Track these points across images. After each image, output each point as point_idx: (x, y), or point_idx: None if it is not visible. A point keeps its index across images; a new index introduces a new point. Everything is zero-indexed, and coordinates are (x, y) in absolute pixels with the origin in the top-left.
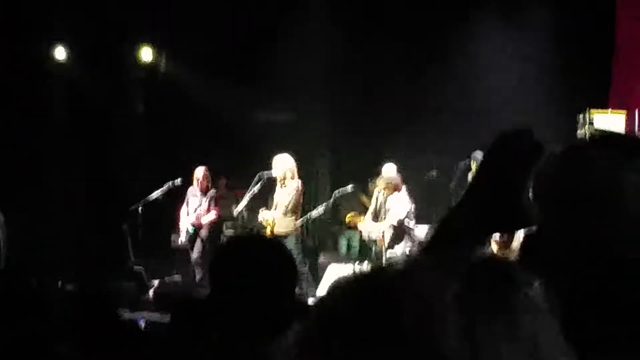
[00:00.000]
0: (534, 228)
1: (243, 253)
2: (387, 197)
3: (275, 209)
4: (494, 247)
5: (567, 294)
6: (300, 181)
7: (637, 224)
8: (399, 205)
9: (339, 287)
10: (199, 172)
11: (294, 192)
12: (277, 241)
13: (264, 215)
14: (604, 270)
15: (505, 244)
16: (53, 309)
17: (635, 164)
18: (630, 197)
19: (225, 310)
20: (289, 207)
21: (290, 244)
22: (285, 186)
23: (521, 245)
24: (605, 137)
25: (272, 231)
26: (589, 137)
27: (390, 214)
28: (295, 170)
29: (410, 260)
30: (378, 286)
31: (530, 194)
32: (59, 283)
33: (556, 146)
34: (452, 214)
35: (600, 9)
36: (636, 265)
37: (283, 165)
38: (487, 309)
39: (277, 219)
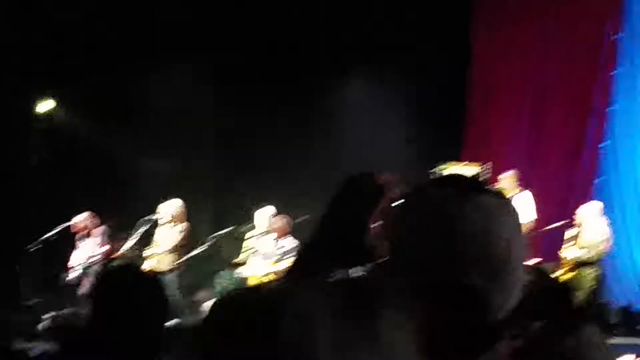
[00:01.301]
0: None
1: (115, 282)
2: (277, 240)
3: (159, 246)
4: None
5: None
6: (187, 224)
7: (470, 254)
8: (288, 251)
9: (221, 302)
10: (77, 219)
11: (180, 233)
12: (147, 272)
13: (148, 252)
14: (443, 296)
15: None
16: None
17: (468, 198)
18: (463, 229)
19: (99, 336)
20: (173, 246)
21: (170, 279)
22: (171, 227)
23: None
24: (444, 178)
25: (153, 268)
26: (430, 179)
27: (282, 260)
28: (182, 214)
29: (287, 282)
30: (258, 302)
31: (378, 230)
32: None
33: (402, 187)
34: (305, 251)
35: (455, 73)
36: (469, 289)
37: (170, 210)
38: (356, 326)
39: (158, 257)
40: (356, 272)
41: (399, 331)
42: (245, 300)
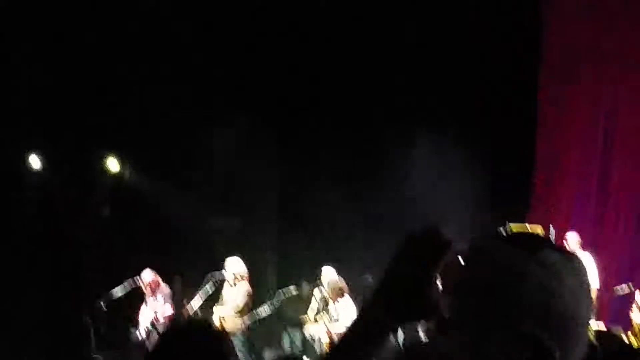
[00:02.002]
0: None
1: (181, 340)
2: (334, 301)
3: (225, 306)
4: None
5: None
6: (248, 284)
7: (535, 310)
8: (347, 311)
9: None
10: (145, 276)
11: (244, 293)
12: (212, 328)
13: (216, 311)
14: (509, 346)
15: None
16: None
17: (537, 256)
18: (531, 285)
19: None
20: (238, 306)
21: (237, 341)
22: (235, 287)
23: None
24: (510, 235)
25: (221, 327)
26: (495, 235)
27: (340, 320)
28: (245, 273)
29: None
30: None
31: (440, 286)
32: None
33: (464, 244)
34: (366, 306)
35: (524, 134)
36: (534, 345)
37: (234, 268)
38: None
39: (226, 317)
40: (420, 326)
41: None
42: None
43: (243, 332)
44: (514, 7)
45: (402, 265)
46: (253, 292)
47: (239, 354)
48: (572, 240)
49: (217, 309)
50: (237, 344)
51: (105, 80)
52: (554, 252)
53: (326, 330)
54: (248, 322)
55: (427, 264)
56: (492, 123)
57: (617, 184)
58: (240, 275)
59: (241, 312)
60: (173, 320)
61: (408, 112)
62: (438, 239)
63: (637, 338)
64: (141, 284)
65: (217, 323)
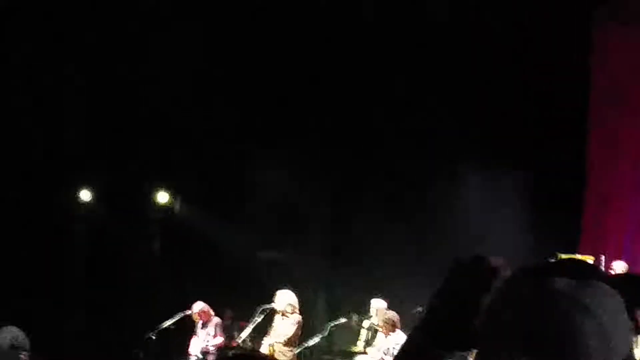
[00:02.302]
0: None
1: None
2: (386, 335)
3: (275, 337)
4: None
5: None
6: (299, 315)
7: (588, 346)
8: (398, 342)
9: None
10: (196, 307)
11: (294, 324)
12: (260, 356)
13: (265, 342)
14: None
15: None
16: None
17: (595, 292)
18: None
19: None
20: (288, 337)
21: None
22: (286, 318)
23: None
24: (555, 263)
25: (271, 357)
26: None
27: (393, 351)
28: (296, 304)
29: None
30: None
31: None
32: None
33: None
34: (414, 334)
35: (572, 161)
36: None
37: (286, 299)
38: None
39: (275, 347)
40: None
41: None
42: None
43: None
44: (566, 39)
45: (449, 293)
46: (302, 324)
47: None
48: (619, 269)
49: (266, 339)
50: None
51: (153, 114)
52: (600, 282)
53: None
54: (296, 352)
55: (474, 292)
56: (541, 152)
57: None
58: (292, 307)
59: (290, 343)
60: (222, 349)
61: (454, 142)
62: (485, 267)
63: None
64: (192, 316)
65: (266, 352)
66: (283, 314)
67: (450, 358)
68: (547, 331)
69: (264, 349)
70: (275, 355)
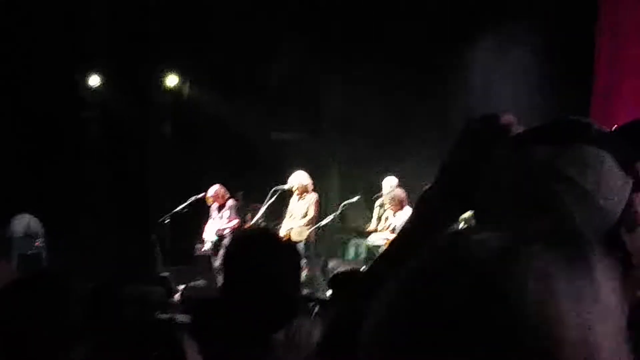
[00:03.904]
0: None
1: (248, 247)
2: (394, 213)
3: (293, 218)
4: None
5: None
6: (316, 194)
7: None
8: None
9: (431, 257)
10: (211, 190)
11: (312, 203)
12: (276, 234)
13: (284, 224)
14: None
15: None
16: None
17: (573, 154)
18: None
19: (233, 301)
20: (307, 216)
21: (306, 250)
22: (302, 198)
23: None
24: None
25: (288, 237)
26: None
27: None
28: (310, 184)
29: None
30: (487, 262)
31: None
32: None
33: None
34: (426, 194)
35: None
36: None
37: (301, 179)
38: (561, 266)
39: (294, 228)
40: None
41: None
42: (464, 258)
43: (311, 242)
44: None
45: (460, 151)
46: (318, 204)
47: (305, 262)
48: None
49: (285, 222)
50: (305, 252)
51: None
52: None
53: (386, 239)
54: (312, 231)
55: (484, 149)
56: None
57: None
58: (305, 187)
59: (310, 223)
60: (238, 230)
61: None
62: (496, 124)
63: None
64: (207, 199)
65: (284, 235)
66: (300, 195)
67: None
68: (529, 201)
69: (282, 231)
70: (292, 236)
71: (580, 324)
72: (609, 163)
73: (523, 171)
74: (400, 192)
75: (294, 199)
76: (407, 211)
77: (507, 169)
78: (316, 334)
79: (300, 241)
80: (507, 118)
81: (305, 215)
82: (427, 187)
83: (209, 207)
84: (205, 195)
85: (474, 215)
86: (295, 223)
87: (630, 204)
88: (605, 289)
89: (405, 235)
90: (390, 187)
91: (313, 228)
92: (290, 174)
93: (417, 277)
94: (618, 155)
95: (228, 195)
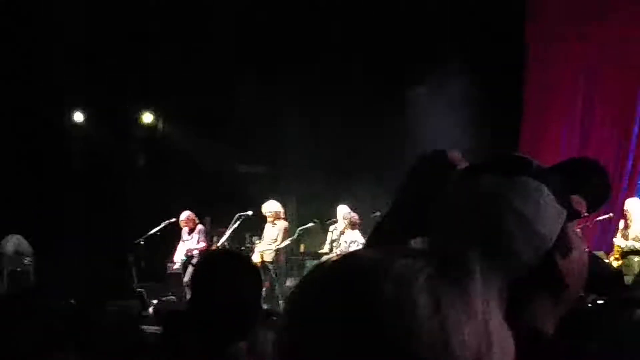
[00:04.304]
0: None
1: (214, 266)
2: (344, 230)
3: (265, 242)
4: None
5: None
6: (286, 222)
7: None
8: (355, 240)
9: (317, 271)
10: (183, 215)
11: (281, 230)
12: (240, 255)
13: (257, 248)
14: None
15: None
16: (58, 322)
17: (514, 185)
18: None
19: (200, 313)
20: (277, 241)
21: (272, 269)
22: (274, 225)
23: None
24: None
25: (262, 259)
26: (475, 163)
27: (348, 248)
28: (283, 212)
29: (381, 251)
30: (359, 266)
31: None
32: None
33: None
34: (382, 221)
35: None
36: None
37: (274, 207)
38: (450, 290)
39: (265, 251)
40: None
41: (486, 298)
42: (345, 265)
43: (280, 263)
44: None
45: (413, 183)
46: (287, 229)
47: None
48: None
49: (260, 245)
50: (270, 271)
51: (136, 38)
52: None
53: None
54: (278, 252)
55: (434, 181)
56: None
57: (599, 125)
58: (279, 214)
59: (279, 247)
60: (206, 251)
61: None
62: (444, 159)
63: (618, 260)
64: (179, 223)
65: (257, 257)
66: (272, 221)
67: (411, 241)
68: (474, 225)
69: (256, 256)
70: (265, 257)
71: (458, 336)
72: (547, 195)
73: (471, 198)
74: (355, 215)
75: (267, 225)
76: (356, 234)
77: (456, 197)
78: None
79: (271, 262)
80: (454, 154)
81: (275, 240)
82: (375, 214)
83: (180, 230)
84: (177, 220)
85: (427, 241)
86: (267, 246)
87: (563, 232)
88: (481, 304)
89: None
90: (344, 213)
91: (274, 250)
92: (258, 202)
93: (300, 286)
94: (554, 189)
95: (197, 221)
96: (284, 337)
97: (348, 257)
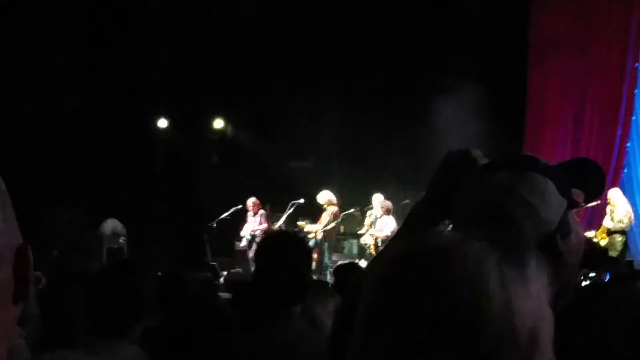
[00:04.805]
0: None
1: (273, 244)
2: (381, 216)
3: (320, 223)
4: None
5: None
6: (336, 207)
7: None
8: (389, 224)
9: (401, 251)
10: (250, 200)
11: (331, 213)
12: (295, 235)
13: (309, 228)
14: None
15: None
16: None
17: (524, 180)
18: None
19: (263, 283)
20: (328, 223)
21: (324, 246)
22: (326, 209)
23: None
24: (502, 160)
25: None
26: (493, 160)
27: (383, 229)
28: (334, 199)
29: (456, 235)
30: (441, 250)
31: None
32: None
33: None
34: (416, 206)
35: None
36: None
37: (326, 196)
38: (514, 273)
39: (317, 230)
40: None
41: (539, 282)
42: (433, 244)
43: (327, 241)
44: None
45: (442, 175)
46: (337, 214)
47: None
48: None
49: (313, 226)
50: (324, 248)
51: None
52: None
53: (374, 237)
54: (326, 230)
55: (460, 173)
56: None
57: (589, 127)
58: (331, 201)
59: (326, 228)
60: (268, 233)
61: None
62: (468, 155)
63: (604, 239)
64: (247, 205)
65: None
66: (324, 207)
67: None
68: (489, 213)
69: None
70: (316, 236)
71: (520, 312)
72: (551, 188)
73: (488, 190)
74: (389, 202)
75: (323, 212)
76: (390, 218)
77: (476, 189)
78: (321, 308)
79: (322, 239)
80: (476, 152)
81: (327, 221)
82: (405, 202)
83: (245, 215)
84: (243, 206)
85: (452, 224)
86: (320, 226)
87: (564, 218)
88: (536, 286)
89: (398, 233)
90: (379, 201)
91: (322, 230)
92: (307, 192)
93: (379, 263)
94: (557, 183)
95: (260, 206)
96: (369, 303)
97: (431, 237)
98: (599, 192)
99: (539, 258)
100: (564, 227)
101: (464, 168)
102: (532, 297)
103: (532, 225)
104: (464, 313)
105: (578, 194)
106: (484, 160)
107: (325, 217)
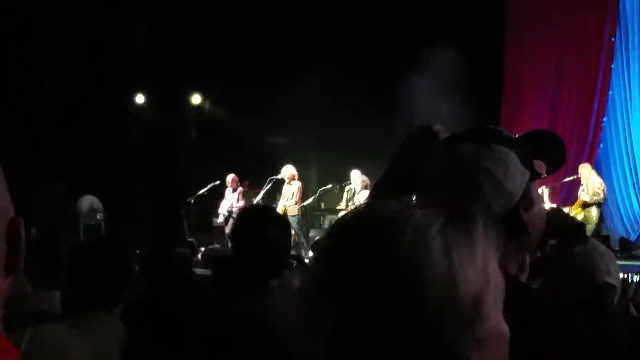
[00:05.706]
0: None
1: (251, 219)
2: (360, 191)
3: (285, 199)
4: None
5: None
6: (299, 182)
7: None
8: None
9: (343, 220)
10: (229, 177)
11: (297, 189)
12: (272, 209)
13: (279, 204)
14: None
15: None
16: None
17: (488, 151)
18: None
19: (240, 258)
20: (294, 197)
21: (294, 222)
22: (290, 185)
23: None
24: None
25: (284, 213)
26: (455, 133)
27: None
28: (296, 174)
29: (399, 204)
30: (384, 215)
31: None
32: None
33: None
34: (378, 182)
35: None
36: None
37: (289, 171)
38: (458, 238)
39: (287, 206)
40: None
41: (485, 246)
42: (374, 211)
43: (297, 216)
44: None
45: (404, 150)
46: (302, 188)
47: (294, 231)
48: None
49: (280, 202)
50: (294, 224)
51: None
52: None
53: None
54: (299, 209)
55: (421, 148)
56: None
57: (566, 102)
58: (294, 176)
59: (297, 203)
60: (244, 208)
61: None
62: (430, 131)
63: (580, 212)
64: (226, 182)
65: (281, 211)
66: (289, 182)
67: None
68: (454, 184)
69: (279, 209)
70: (288, 212)
71: (465, 279)
72: (514, 159)
73: (452, 162)
74: (366, 177)
75: (285, 186)
76: (368, 193)
77: (440, 160)
78: (297, 282)
79: (293, 215)
80: (437, 127)
81: (292, 196)
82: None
83: (223, 191)
84: (220, 182)
85: (415, 198)
86: (287, 203)
87: (527, 190)
88: (483, 251)
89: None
90: (357, 175)
91: (299, 206)
92: (282, 168)
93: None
94: (521, 154)
95: (238, 181)
96: (314, 272)
97: (374, 206)
98: (561, 164)
99: (488, 223)
100: (527, 198)
101: (425, 143)
102: (477, 262)
103: (496, 196)
104: (403, 279)
105: (540, 165)
106: (446, 134)
107: (288, 192)
